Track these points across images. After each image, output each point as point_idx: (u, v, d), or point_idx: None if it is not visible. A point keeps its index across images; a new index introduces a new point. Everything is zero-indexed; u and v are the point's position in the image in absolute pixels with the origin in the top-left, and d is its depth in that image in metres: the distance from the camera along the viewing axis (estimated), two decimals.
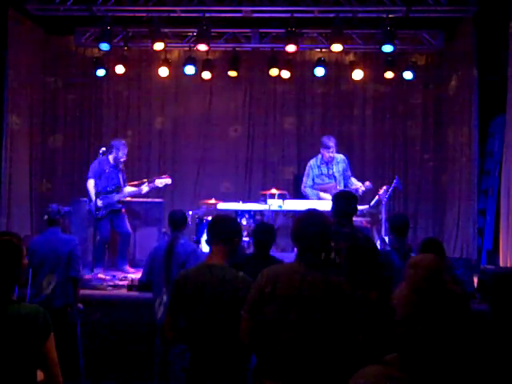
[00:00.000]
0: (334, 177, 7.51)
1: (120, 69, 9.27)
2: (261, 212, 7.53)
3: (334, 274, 2.94)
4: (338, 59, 9.81)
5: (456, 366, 1.66)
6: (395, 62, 9.15)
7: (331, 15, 8.19)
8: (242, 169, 10.07)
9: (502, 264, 7.21)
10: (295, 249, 3.11)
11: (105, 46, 8.37)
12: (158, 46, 8.46)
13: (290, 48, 8.36)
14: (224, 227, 3.26)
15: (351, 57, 9.72)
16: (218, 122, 10.05)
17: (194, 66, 9.18)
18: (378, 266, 4.02)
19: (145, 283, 5.17)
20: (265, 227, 4.52)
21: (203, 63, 9.34)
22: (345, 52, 9.41)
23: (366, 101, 9.98)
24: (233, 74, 9.44)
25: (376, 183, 8.01)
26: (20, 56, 8.83)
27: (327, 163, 7.52)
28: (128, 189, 7.61)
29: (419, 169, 9.86)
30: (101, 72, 9.29)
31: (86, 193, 7.38)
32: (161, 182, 7.52)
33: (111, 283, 6.45)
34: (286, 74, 9.37)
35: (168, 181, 7.56)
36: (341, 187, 7.38)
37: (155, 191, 8.23)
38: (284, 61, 9.31)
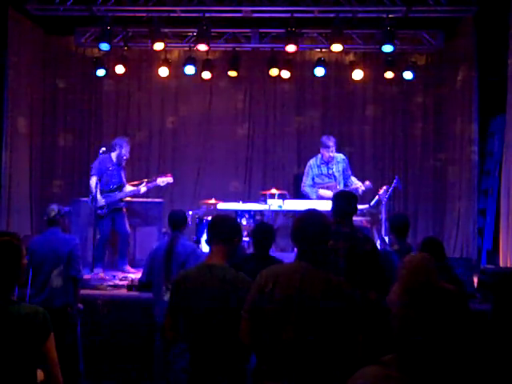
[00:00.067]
0: (334, 176, 7.51)
1: (120, 69, 9.27)
2: (261, 212, 7.53)
3: (333, 273, 2.94)
4: (338, 59, 9.81)
5: (454, 366, 1.66)
6: (395, 61, 9.16)
7: (331, 15, 8.19)
8: (242, 169, 10.07)
9: (502, 264, 7.22)
10: (295, 249, 3.11)
11: (105, 46, 8.37)
12: (158, 46, 8.46)
13: (290, 48, 8.36)
14: (224, 227, 3.25)
15: (351, 57, 9.72)
16: (218, 122, 10.05)
17: (194, 66, 9.18)
18: (377, 266, 4.02)
19: (145, 283, 5.16)
20: (264, 227, 4.52)
21: (203, 63, 9.35)
22: (345, 52, 9.42)
23: (366, 101, 9.99)
24: (233, 74, 9.44)
25: (376, 183, 8.02)
26: (20, 56, 8.84)
27: (327, 163, 7.52)
28: (129, 188, 7.63)
29: (419, 169, 9.86)
30: (101, 72, 9.29)
31: (89, 190, 7.36)
32: (163, 181, 7.53)
33: (111, 283, 6.44)
34: (286, 74, 9.38)
35: (170, 180, 7.57)
36: (341, 187, 7.38)
37: (155, 191, 8.24)
38: (284, 61, 9.32)
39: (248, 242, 6.90)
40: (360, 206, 5.86)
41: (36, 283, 4.73)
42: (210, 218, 6.71)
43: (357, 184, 7.51)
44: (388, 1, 8.02)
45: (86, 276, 6.33)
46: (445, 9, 8.04)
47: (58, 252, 4.78)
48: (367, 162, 9.87)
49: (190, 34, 9.30)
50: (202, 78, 9.43)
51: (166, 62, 9.35)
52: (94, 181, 7.25)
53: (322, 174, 7.55)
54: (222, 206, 7.67)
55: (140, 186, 7.54)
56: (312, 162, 7.63)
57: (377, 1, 8.05)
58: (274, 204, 7.25)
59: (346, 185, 7.54)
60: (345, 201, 4.26)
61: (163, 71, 9.32)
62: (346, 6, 8.12)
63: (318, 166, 7.55)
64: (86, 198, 7.67)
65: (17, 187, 8.77)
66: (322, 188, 7.51)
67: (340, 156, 7.63)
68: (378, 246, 6.36)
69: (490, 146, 8.75)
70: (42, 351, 2.42)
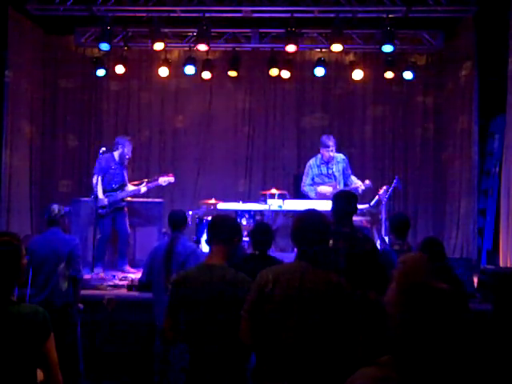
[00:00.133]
0: (334, 176, 7.51)
1: (120, 69, 9.27)
2: (261, 212, 7.53)
3: (333, 273, 2.94)
4: (338, 59, 9.81)
5: (452, 366, 1.65)
6: (395, 61, 9.16)
7: (331, 15, 8.19)
8: (242, 169, 10.07)
9: (502, 264, 7.22)
10: (295, 249, 3.11)
11: (105, 46, 8.37)
12: (158, 46, 8.46)
13: (290, 48, 8.36)
14: (224, 227, 3.25)
15: (351, 57, 9.72)
16: (218, 122, 10.05)
17: (194, 66, 9.18)
18: (377, 266, 4.02)
19: (145, 283, 5.17)
20: (263, 227, 4.52)
21: (203, 63, 9.35)
22: (345, 52, 9.42)
23: (366, 101, 9.99)
24: (233, 74, 9.44)
25: (376, 183, 8.01)
26: (20, 56, 8.84)
27: (327, 163, 7.52)
28: (131, 187, 7.64)
29: (419, 169, 9.86)
30: (101, 72, 9.29)
31: (91, 190, 7.35)
32: (164, 181, 7.54)
33: (111, 283, 6.44)
34: (286, 74, 9.38)
35: (171, 179, 7.59)
36: (340, 187, 7.38)
37: (155, 191, 8.24)
38: (284, 61, 9.32)
39: (248, 241, 6.90)
40: (360, 206, 5.86)
41: (36, 283, 4.73)
42: (210, 218, 6.70)
43: (357, 183, 7.51)
44: (388, 1, 8.02)
45: (86, 276, 6.33)
46: (445, 9, 8.04)
47: (59, 252, 4.78)
48: (367, 162, 9.86)
49: (190, 34, 9.30)
50: (201, 77, 9.43)
51: (166, 62, 9.35)
52: (95, 180, 7.25)
53: (321, 173, 7.55)
54: (222, 205, 7.66)
55: (140, 186, 7.55)
56: (312, 161, 7.63)
57: (377, 1, 8.05)
58: (274, 204, 7.25)
59: (345, 184, 7.54)
60: (345, 201, 4.25)
61: (163, 71, 9.32)
62: (346, 6, 8.12)
63: (318, 166, 7.55)
64: (86, 198, 7.67)
65: (17, 187, 8.77)
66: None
67: (340, 156, 7.63)
68: (378, 246, 6.37)
69: (490, 146, 8.75)
70: (42, 351, 2.42)
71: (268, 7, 8.22)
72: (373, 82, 9.78)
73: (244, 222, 7.37)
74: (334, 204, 4.28)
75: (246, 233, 6.91)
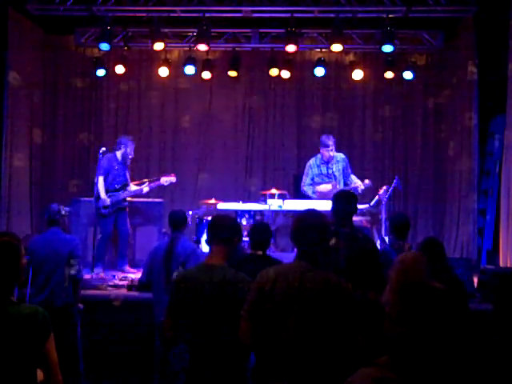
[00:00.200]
0: (334, 176, 7.51)
1: (120, 69, 9.27)
2: (261, 212, 7.53)
3: (333, 273, 2.94)
4: (338, 59, 9.81)
5: (450, 366, 1.65)
6: (395, 61, 9.16)
7: (331, 15, 8.19)
8: (242, 169, 10.07)
9: (502, 264, 7.22)
10: (295, 249, 3.11)
11: (105, 46, 8.36)
12: (158, 46, 8.46)
13: (290, 48, 8.36)
14: (224, 227, 3.26)
15: (351, 57, 9.72)
16: (218, 122, 10.05)
17: (194, 66, 9.18)
18: (377, 266, 4.02)
19: (145, 283, 5.17)
20: (262, 227, 4.52)
21: (203, 63, 9.34)
22: (345, 52, 9.42)
23: (366, 101, 9.98)
24: (233, 74, 9.44)
25: (376, 183, 8.02)
26: (20, 56, 8.84)
27: (327, 163, 7.52)
28: (133, 187, 7.64)
29: (419, 169, 9.86)
30: (101, 72, 9.28)
31: (95, 190, 7.30)
32: (166, 180, 7.56)
33: (111, 283, 6.45)
34: (286, 74, 9.37)
35: (173, 179, 7.61)
36: (340, 186, 7.38)
37: (156, 191, 8.23)
38: (284, 61, 9.31)
39: (248, 241, 6.90)
40: (360, 206, 5.86)
41: (36, 283, 4.73)
42: (210, 217, 6.70)
43: (356, 183, 7.51)
44: (388, 1, 8.02)
45: (86, 276, 6.33)
46: (445, 9, 8.04)
47: (59, 252, 4.78)
48: (367, 162, 9.86)
49: (190, 34, 9.30)
50: (201, 77, 9.42)
51: (166, 62, 9.34)
52: (100, 181, 7.25)
53: (321, 173, 7.55)
54: (221, 205, 7.66)
55: (142, 186, 7.56)
56: (312, 161, 7.63)
57: (377, 1, 8.05)
58: (273, 204, 7.25)
59: (345, 183, 7.55)
60: (345, 201, 4.25)
61: (163, 71, 9.32)
62: (346, 6, 8.11)
63: (318, 166, 7.55)
64: (86, 198, 7.67)
65: (17, 187, 8.77)
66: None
67: (340, 155, 7.63)
68: (378, 246, 6.37)
69: (490, 146, 8.75)
70: (42, 352, 2.42)
71: (268, 7, 8.22)
72: (373, 82, 9.77)
73: (244, 221, 7.37)
74: (333, 204, 4.28)
75: (246, 233, 6.92)
